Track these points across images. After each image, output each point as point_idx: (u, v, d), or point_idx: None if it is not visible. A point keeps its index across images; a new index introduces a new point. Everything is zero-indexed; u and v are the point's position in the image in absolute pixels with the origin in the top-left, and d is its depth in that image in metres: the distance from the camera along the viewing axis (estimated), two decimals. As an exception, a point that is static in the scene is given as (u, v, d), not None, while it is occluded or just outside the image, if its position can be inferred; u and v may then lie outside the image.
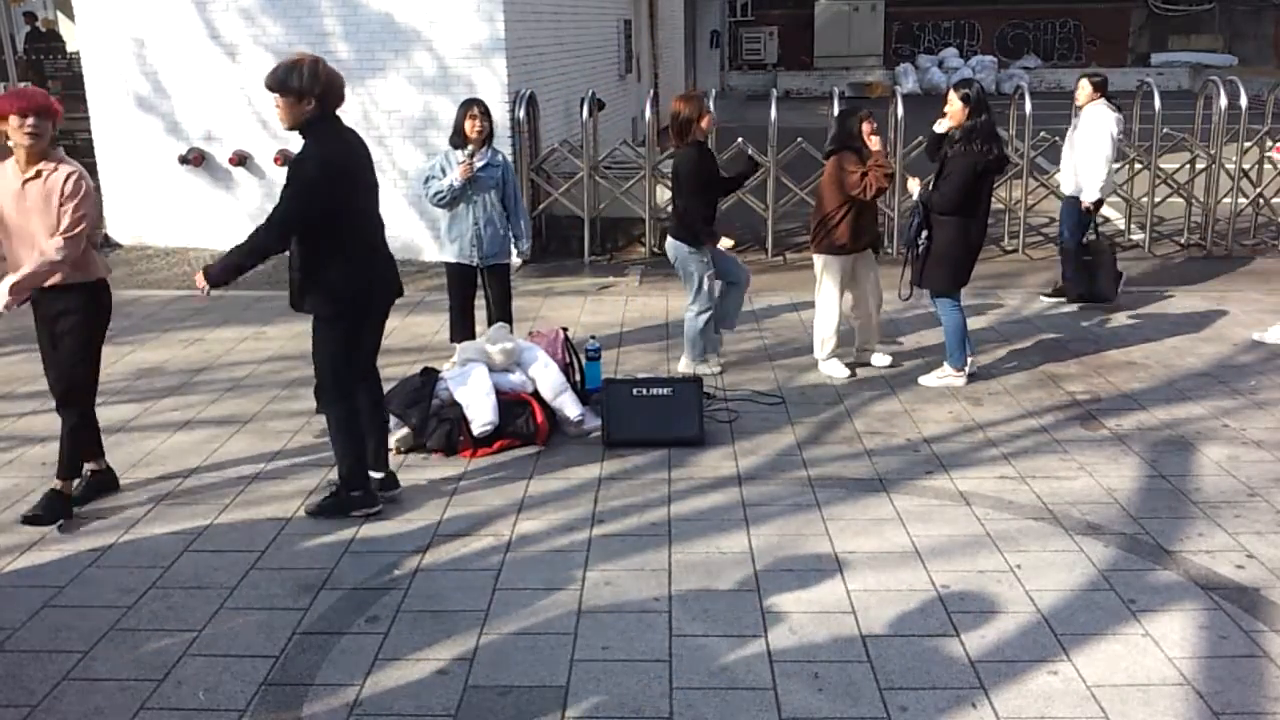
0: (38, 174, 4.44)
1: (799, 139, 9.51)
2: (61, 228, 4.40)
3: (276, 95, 4.31)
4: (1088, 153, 7.56)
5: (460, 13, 9.37)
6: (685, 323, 6.46)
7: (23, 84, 4.57)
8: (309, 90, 4.29)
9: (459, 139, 6.18)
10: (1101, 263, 7.72)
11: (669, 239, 6.38)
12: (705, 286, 6.29)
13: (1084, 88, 7.80)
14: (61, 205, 4.41)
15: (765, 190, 9.52)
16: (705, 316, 6.36)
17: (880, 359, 6.52)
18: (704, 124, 6.16)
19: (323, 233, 4.39)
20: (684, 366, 6.47)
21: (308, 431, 5.66)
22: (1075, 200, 7.75)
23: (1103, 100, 7.69)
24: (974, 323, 7.07)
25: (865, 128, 6.23)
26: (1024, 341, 7.02)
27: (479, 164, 6.09)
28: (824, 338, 6.44)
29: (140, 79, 10.00)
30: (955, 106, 5.97)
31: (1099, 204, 7.71)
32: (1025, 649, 3.58)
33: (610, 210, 9.92)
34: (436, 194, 6.13)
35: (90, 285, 4.59)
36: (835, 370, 6.40)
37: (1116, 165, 7.91)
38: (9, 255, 4.55)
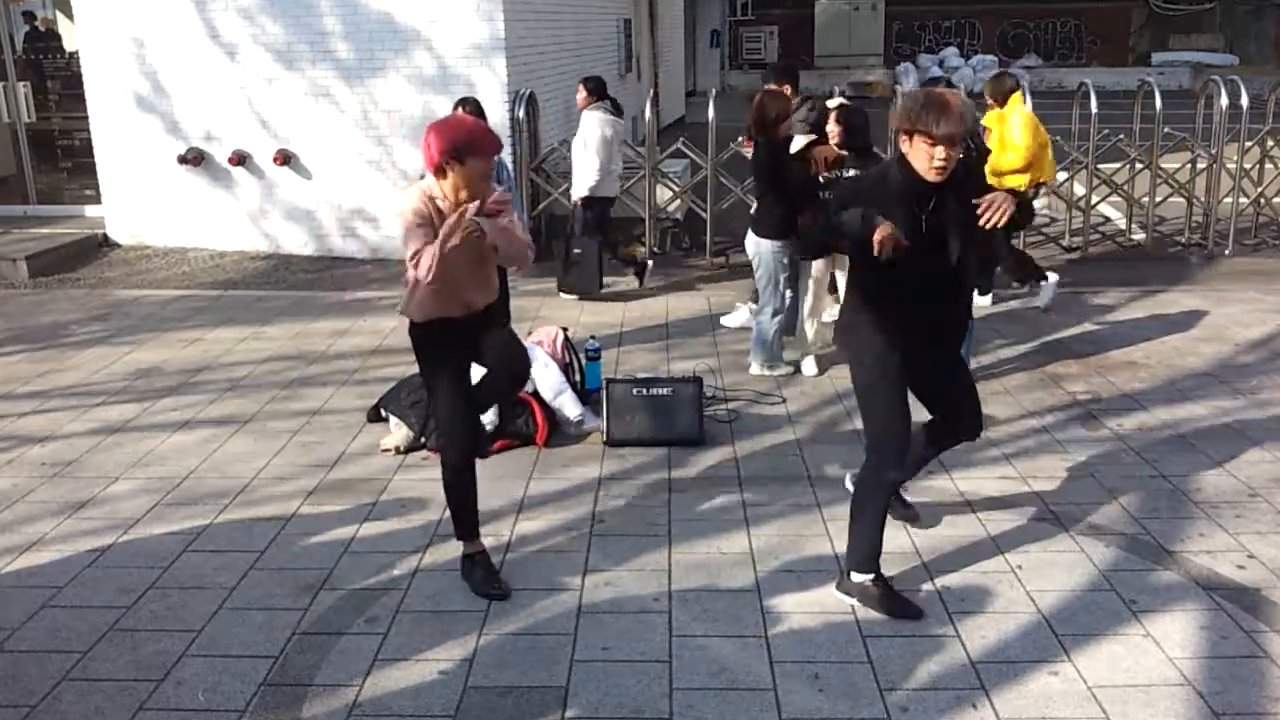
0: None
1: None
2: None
3: (955, 147, 3.51)
4: (581, 155, 8.20)
5: (460, 12, 9.37)
6: (755, 326, 6.38)
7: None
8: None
9: None
10: (586, 259, 8.30)
11: (750, 235, 6.31)
12: (780, 288, 6.22)
13: (580, 92, 8.39)
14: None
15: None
16: (778, 319, 6.29)
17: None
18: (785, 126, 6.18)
19: None
20: (756, 371, 6.40)
21: (307, 431, 5.66)
22: (585, 200, 8.31)
23: (600, 104, 8.23)
24: (975, 323, 7.06)
25: (832, 125, 6.24)
26: (1024, 341, 7.01)
27: None
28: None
29: (139, 79, 9.99)
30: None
31: (603, 200, 8.34)
32: (1025, 649, 3.58)
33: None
34: None
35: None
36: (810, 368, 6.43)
37: (616, 167, 8.51)
38: (456, 297, 4.01)
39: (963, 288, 3.86)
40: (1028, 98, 9.42)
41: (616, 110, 8.38)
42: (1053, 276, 7.76)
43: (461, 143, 3.79)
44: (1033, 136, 7.51)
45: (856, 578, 3.85)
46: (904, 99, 3.69)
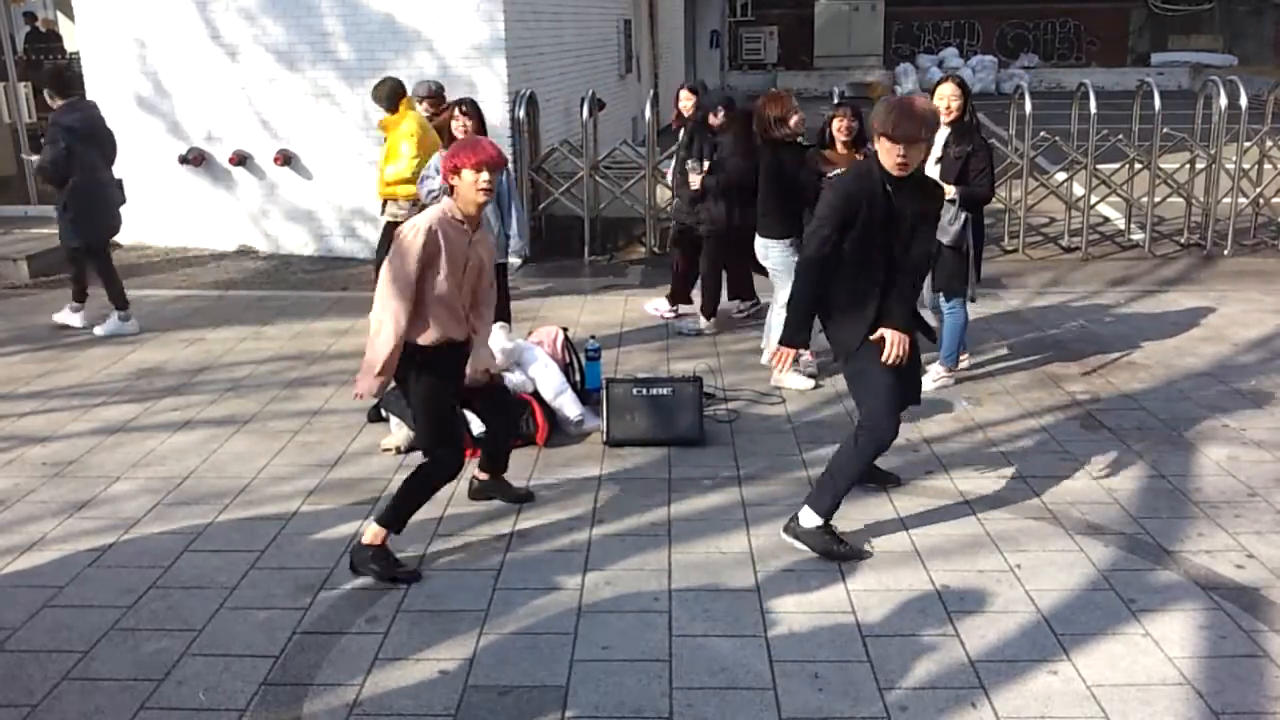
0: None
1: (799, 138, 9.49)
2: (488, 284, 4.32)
3: (914, 146, 3.89)
4: None
5: (460, 13, 9.38)
6: (771, 330, 6.21)
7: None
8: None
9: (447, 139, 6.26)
10: None
11: (758, 238, 6.27)
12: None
13: None
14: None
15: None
16: None
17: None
18: (791, 124, 6.17)
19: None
20: (784, 379, 6.14)
21: (307, 431, 5.67)
22: None
23: None
24: (975, 323, 7.07)
25: (836, 124, 6.23)
26: (1024, 341, 7.02)
27: None
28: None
29: (140, 79, 10.00)
30: (957, 101, 5.86)
31: None
32: (1025, 649, 3.58)
33: (610, 210, 9.92)
34: (429, 193, 6.15)
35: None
36: (800, 382, 6.22)
37: None
38: (451, 318, 4.12)
39: (915, 262, 4.20)
40: (1027, 99, 9.45)
41: None
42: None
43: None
44: (419, 146, 7.08)
45: (811, 522, 4.20)
46: (882, 105, 4.03)
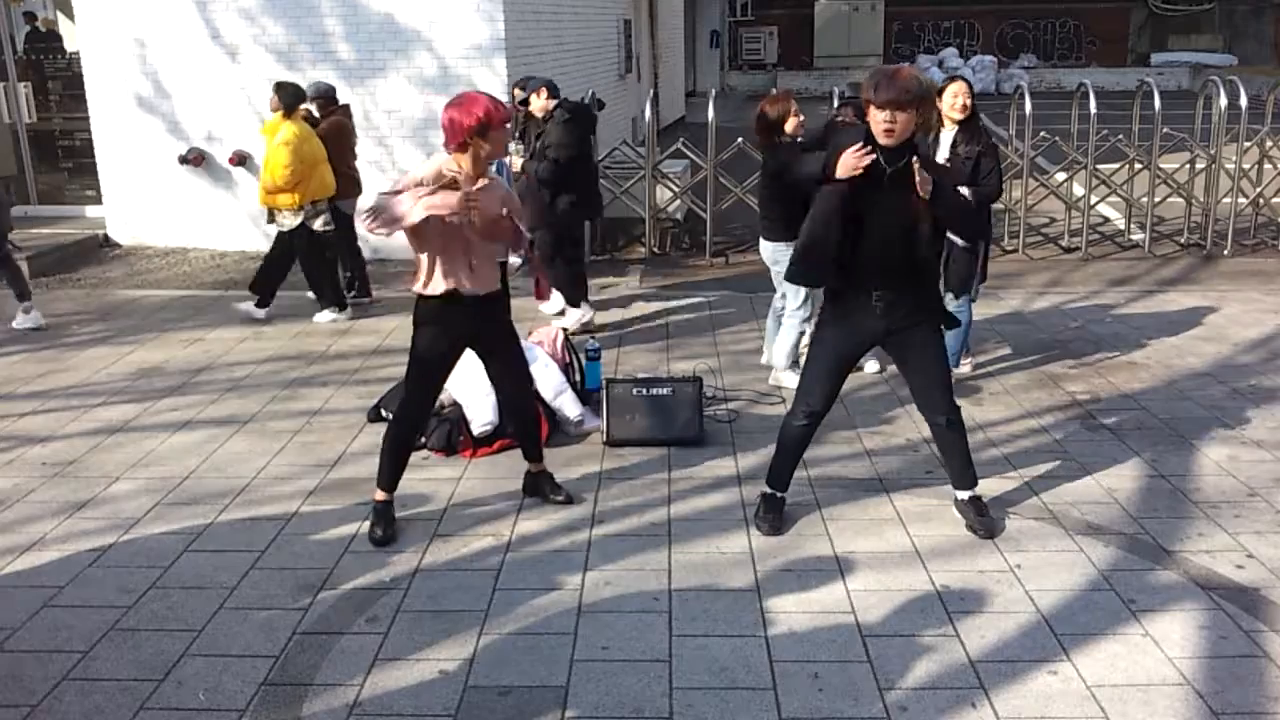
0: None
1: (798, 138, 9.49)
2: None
3: (901, 111, 3.89)
4: None
5: (460, 13, 9.38)
6: (782, 329, 6.21)
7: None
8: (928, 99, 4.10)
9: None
10: None
11: (763, 241, 6.25)
12: (807, 291, 5.99)
13: None
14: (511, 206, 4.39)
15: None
16: (804, 318, 6.09)
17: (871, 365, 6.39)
18: (788, 128, 6.13)
19: None
20: (783, 378, 6.16)
21: (307, 431, 5.67)
22: None
23: None
24: (976, 323, 7.07)
25: (840, 123, 6.23)
26: (1024, 341, 7.02)
27: None
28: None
29: (140, 79, 10.01)
30: (968, 99, 5.83)
31: None
32: (1025, 649, 3.58)
33: (610, 210, 9.90)
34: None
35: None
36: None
37: None
38: (452, 269, 4.24)
39: (922, 250, 4.14)
40: (1027, 99, 9.45)
41: None
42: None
43: (485, 119, 4.11)
44: (294, 155, 7.18)
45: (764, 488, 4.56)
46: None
